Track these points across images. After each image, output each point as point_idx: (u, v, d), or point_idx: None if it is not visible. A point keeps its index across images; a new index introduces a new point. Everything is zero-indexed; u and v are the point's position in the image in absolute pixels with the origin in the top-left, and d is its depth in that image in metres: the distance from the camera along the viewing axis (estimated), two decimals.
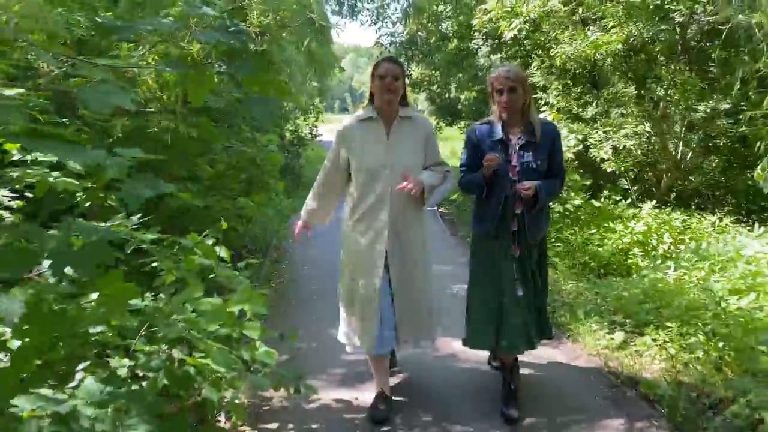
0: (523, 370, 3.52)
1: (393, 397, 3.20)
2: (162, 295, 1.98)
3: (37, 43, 1.79)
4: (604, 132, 6.84)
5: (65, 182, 2.34)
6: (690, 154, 7.07)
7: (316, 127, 13.91)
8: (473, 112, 11.65)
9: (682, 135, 7.01)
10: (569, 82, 7.64)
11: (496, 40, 8.30)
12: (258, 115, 1.83)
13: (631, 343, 3.99)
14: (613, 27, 6.62)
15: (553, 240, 6.33)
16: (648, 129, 6.59)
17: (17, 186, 2.49)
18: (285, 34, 2.23)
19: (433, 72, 12.36)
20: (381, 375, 3.18)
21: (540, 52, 7.93)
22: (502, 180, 2.98)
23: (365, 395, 3.27)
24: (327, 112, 31.81)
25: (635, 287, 4.80)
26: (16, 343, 1.86)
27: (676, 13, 5.97)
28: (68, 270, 1.34)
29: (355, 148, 2.99)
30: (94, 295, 1.78)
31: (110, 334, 2.02)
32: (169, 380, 1.84)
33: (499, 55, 9.46)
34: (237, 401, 2.44)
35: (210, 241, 2.56)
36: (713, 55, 5.80)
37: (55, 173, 2.24)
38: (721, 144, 7.27)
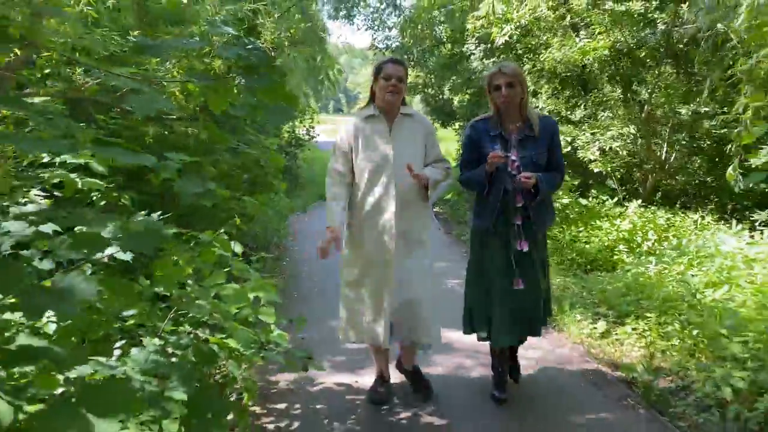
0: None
1: (392, 381, 3.45)
2: (190, 281, 2.23)
3: (80, 59, 2.05)
4: (592, 134, 7.13)
5: (90, 182, 2.60)
6: (674, 155, 7.35)
7: (312, 128, 14.13)
8: (467, 114, 11.92)
9: (667, 136, 7.30)
10: (558, 86, 7.92)
11: (489, 45, 8.56)
12: (274, 123, 2.09)
13: (613, 332, 4.27)
14: (599, 33, 6.92)
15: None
16: (633, 131, 6.88)
17: (47, 186, 2.74)
18: (294, 52, 2.46)
19: (428, 75, 12.62)
20: (380, 360, 3.35)
21: (531, 56, 8.22)
22: (502, 175, 3.03)
23: (365, 379, 3.53)
24: (321, 113, 32.01)
25: (618, 281, 5.09)
26: (51, 327, 2.11)
27: (659, 21, 6.26)
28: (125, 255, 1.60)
29: (357, 144, 3.05)
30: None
31: (141, 317, 2.27)
32: (197, 356, 2.09)
33: (491, 60, 9.74)
34: (246, 375, 2.68)
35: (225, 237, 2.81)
36: (695, 59, 6.08)
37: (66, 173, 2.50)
38: (705, 145, 7.56)
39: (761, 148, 3.13)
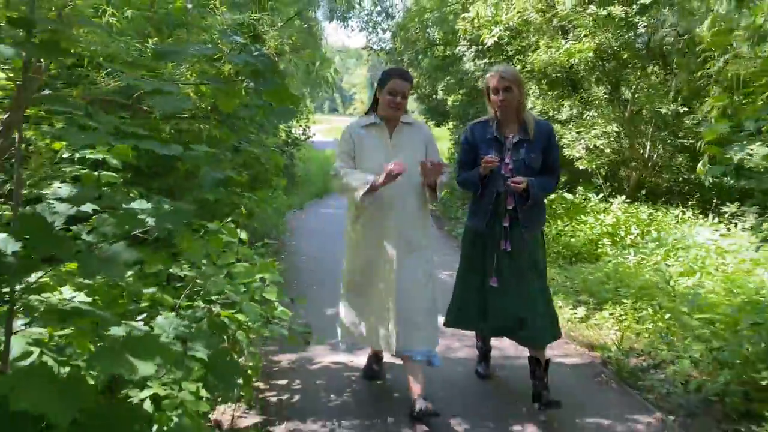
0: (494, 341, 4.06)
1: (384, 360, 3.72)
2: (205, 261, 2.50)
3: (111, 65, 2.32)
4: (577, 132, 7.43)
5: (107, 176, 2.88)
6: (657, 152, 7.66)
7: (308, 128, 14.39)
8: (460, 114, 12.21)
9: (650, 134, 7.61)
10: (545, 86, 8.22)
11: (480, 47, 8.86)
12: (279, 121, 2.37)
13: (592, 317, 4.57)
14: (585, 36, 7.22)
15: None
16: (616, 129, 7.18)
17: (66, 179, 3.01)
18: (295, 58, 2.73)
19: (422, 76, 12.91)
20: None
21: (521, 57, 8.52)
22: (495, 177, 3.09)
23: (360, 359, 3.80)
24: (317, 112, 32.21)
25: (600, 271, 5.39)
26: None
27: (640, 24, 6.57)
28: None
29: (359, 151, 3.09)
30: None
31: (159, 294, 2.55)
32: (210, 327, 2.36)
33: (483, 61, 10.04)
34: (253, 350, 2.96)
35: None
36: (673, 61, 6.39)
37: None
38: (688, 143, 7.88)
39: (726, 144, 3.40)
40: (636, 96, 7.15)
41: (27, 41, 1.55)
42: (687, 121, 7.33)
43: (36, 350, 1.94)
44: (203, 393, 2.21)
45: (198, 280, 2.49)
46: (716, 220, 6.16)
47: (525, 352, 3.36)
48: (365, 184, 2.88)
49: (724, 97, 3.66)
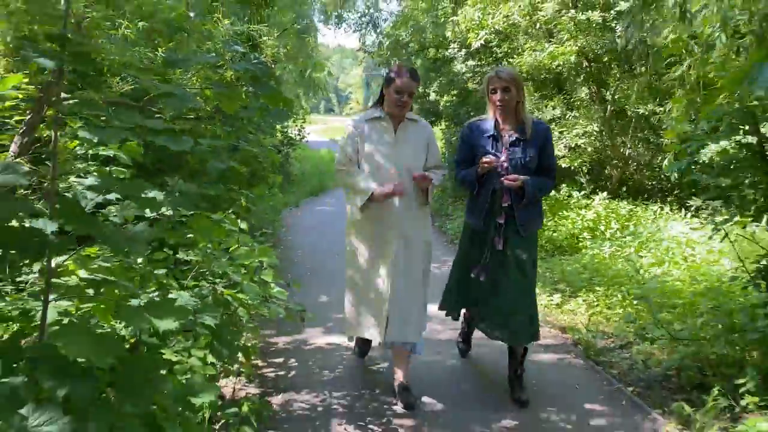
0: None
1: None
2: (210, 246, 2.81)
3: (123, 70, 2.64)
4: (560, 132, 7.76)
5: (118, 171, 3.19)
6: (637, 151, 8.00)
7: (303, 128, 14.71)
8: (452, 114, 12.53)
9: (631, 133, 7.95)
10: (531, 88, 8.55)
11: (468, 49, 9.19)
12: (276, 122, 2.69)
13: (567, 304, 4.90)
14: (567, 39, 7.56)
15: None
16: (597, 129, 7.51)
17: (81, 173, 3.32)
18: (290, 65, 3.04)
19: None
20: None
21: (510, 59, 8.85)
22: (492, 175, 3.14)
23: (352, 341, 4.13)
24: (312, 113, 32.53)
25: (577, 262, 5.73)
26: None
27: (618, 28, 6.90)
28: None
29: (363, 145, 3.15)
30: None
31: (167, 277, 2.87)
32: (215, 303, 2.68)
33: (473, 62, 10.37)
34: (252, 325, 3.27)
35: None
36: (636, 66, 6.73)
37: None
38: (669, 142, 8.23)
39: (687, 142, 3.72)
40: (616, 97, 7.49)
41: (62, 54, 1.87)
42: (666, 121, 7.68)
43: (66, 319, 2.26)
44: (210, 359, 2.52)
45: (203, 263, 2.81)
46: (689, 215, 6.51)
47: None
48: (366, 194, 3.03)
49: (682, 99, 3.99)
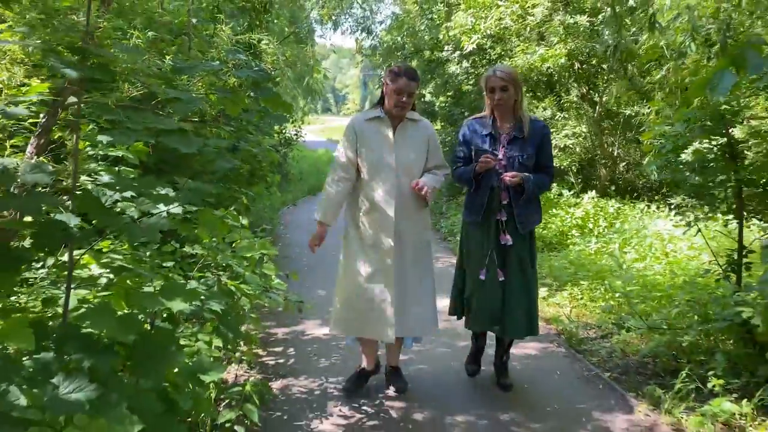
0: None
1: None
2: (215, 240, 3.04)
3: (135, 77, 2.86)
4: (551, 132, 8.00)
5: (125, 170, 3.41)
6: (624, 151, 8.24)
7: (301, 128, 14.96)
8: (447, 114, 12.76)
9: (619, 134, 8.19)
10: (523, 89, 8.79)
11: (462, 51, 9.42)
12: (274, 124, 2.90)
13: (553, 297, 5.13)
14: (557, 42, 7.79)
15: None
16: (585, 130, 7.75)
17: (91, 173, 3.54)
18: (288, 71, 3.26)
19: None
20: (369, 353, 3.38)
21: (504, 61, 9.08)
22: (490, 173, 3.15)
23: None
24: (310, 113, 32.73)
25: (565, 258, 5.96)
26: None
27: (605, 33, 7.14)
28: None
29: (362, 144, 3.13)
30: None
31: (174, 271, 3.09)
32: (220, 291, 2.90)
33: (467, 64, 10.60)
34: (254, 315, 3.50)
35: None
36: (634, 67, 6.98)
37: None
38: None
39: (660, 141, 3.95)
40: (604, 99, 7.73)
41: (85, 64, 2.09)
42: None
43: (84, 306, 2.48)
44: (216, 343, 2.74)
45: (208, 256, 3.03)
46: (673, 212, 6.74)
47: None
48: (318, 218, 3.14)
49: (659, 102, 4.22)
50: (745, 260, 3.83)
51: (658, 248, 5.59)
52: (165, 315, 2.41)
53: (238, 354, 3.67)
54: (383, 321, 3.10)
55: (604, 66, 7.89)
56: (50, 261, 2.95)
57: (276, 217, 8.56)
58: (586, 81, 8.26)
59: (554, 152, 8.02)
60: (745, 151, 3.84)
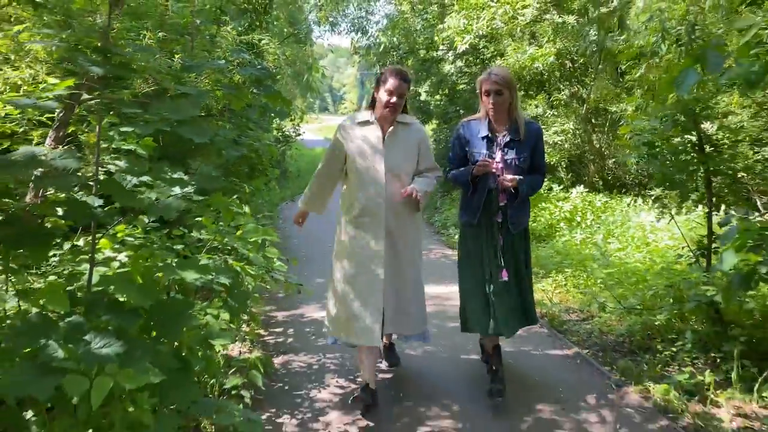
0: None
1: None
2: (221, 224, 3.31)
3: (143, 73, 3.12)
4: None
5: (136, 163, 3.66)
6: (613, 146, 8.52)
7: (299, 126, 15.20)
8: (442, 113, 13.02)
9: (607, 130, 8.47)
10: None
11: (455, 51, 9.70)
12: (277, 119, 3.16)
13: (539, 284, 5.40)
14: (547, 42, 8.07)
15: None
16: (573, 127, 8.03)
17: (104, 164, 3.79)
18: (288, 69, 3.52)
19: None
20: (368, 365, 3.19)
21: (496, 61, 9.36)
22: (486, 175, 3.15)
23: None
24: (308, 112, 32.98)
25: (552, 248, 6.24)
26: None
27: (591, 33, 7.42)
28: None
29: (351, 148, 3.12)
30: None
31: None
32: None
33: (461, 63, 10.87)
34: (257, 296, 3.76)
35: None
36: (620, 66, 7.26)
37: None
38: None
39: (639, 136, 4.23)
40: (591, 96, 8.01)
41: (108, 63, 2.35)
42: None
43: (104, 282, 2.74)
44: (223, 316, 3.01)
45: (215, 239, 3.29)
46: (656, 204, 7.03)
47: None
48: (300, 205, 3.41)
49: (635, 98, 4.50)
50: (714, 246, 4.10)
51: (639, 238, 5.87)
52: (178, 287, 2.67)
53: (242, 333, 3.94)
54: (369, 327, 3.04)
55: (589, 65, 8.17)
56: (67, 245, 3.22)
57: (275, 211, 8.83)
58: (576, 79, 8.53)
59: (545, 149, 8.30)
60: (714, 144, 4.12)
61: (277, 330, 4.31)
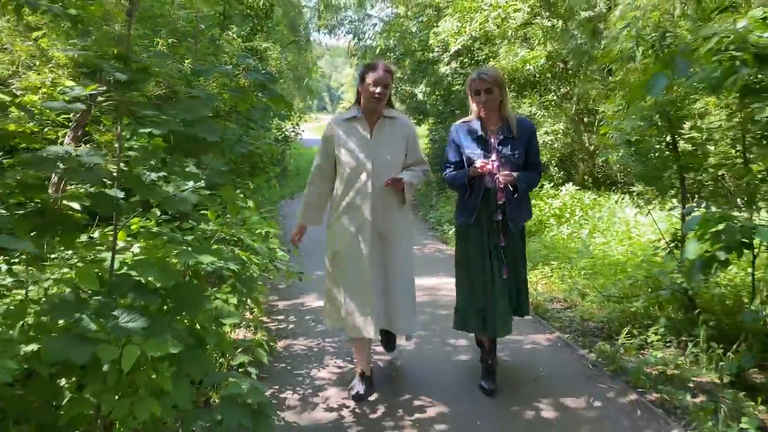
0: (447, 293, 5.16)
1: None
2: (228, 217, 3.59)
3: (162, 78, 3.40)
4: None
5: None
6: (601, 146, 8.81)
7: (298, 125, 15.47)
8: (438, 113, 13.31)
9: (596, 130, 8.76)
10: (509, 88, 9.37)
11: (449, 53, 9.99)
12: (279, 119, 3.44)
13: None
14: (538, 44, 8.36)
15: None
16: (562, 127, 8.32)
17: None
18: (289, 73, 3.79)
19: (400, 80, 14.04)
20: (363, 356, 3.35)
21: (489, 63, 9.65)
22: (482, 175, 3.17)
23: None
24: (306, 112, 33.25)
25: (540, 242, 6.53)
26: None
27: (577, 36, 7.71)
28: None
29: (339, 145, 3.17)
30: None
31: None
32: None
33: (456, 65, 11.16)
34: (260, 284, 4.04)
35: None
36: (608, 68, 7.54)
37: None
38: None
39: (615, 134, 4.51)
40: (574, 98, 8.31)
41: (129, 68, 2.63)
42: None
43: (123, 267, 3.01)
44: (231, 300, 3.29)
45: (222, 230, 3.58)
46: (640, 201, 7.33)
47: None
48: (299, 220, 3.40)
49: (614, 99, 4.78)
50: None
51: (623, 233, 6.16)
52: (191, 273, 2.95)
53: (246, 320, 4.22)
54: (363, 319, 3.12)
55: (579, 67, 8.46)
56: (83, 237, 3.50)
57: (275, 208, 9.11)
58: (566, 81, 8.82)
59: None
60: (694, 144, 4.40)
61: (279, 317, 4.60)
